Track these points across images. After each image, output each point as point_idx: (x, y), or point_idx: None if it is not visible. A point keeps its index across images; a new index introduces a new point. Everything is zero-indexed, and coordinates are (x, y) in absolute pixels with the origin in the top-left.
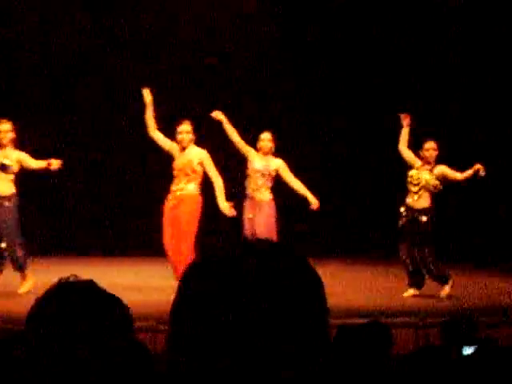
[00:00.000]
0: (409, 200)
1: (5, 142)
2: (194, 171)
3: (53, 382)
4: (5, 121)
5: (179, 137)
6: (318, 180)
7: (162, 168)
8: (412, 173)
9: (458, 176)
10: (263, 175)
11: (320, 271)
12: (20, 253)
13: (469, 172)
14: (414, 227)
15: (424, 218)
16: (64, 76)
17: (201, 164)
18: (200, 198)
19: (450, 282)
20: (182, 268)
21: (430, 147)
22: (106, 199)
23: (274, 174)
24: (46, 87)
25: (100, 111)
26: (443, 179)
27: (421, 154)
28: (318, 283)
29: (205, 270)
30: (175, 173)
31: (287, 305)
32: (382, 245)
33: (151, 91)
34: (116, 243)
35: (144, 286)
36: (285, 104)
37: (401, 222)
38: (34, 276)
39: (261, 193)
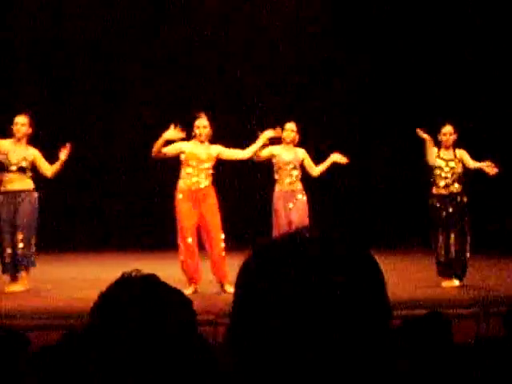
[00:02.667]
0: (436, 191)
1: (19, 135)
2: (214, 164)
3: (118, 375)
4: (22, 114)
5: (197, 131)
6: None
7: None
8: (440, 163)
9: (471, 164)
10: (295, 166)
11: None
12: (33, 249)
13: (480, 165)
14: (455, 212)
15: (464, 199)
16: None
17: (219, 155)
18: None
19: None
20: (221, 262)
21: (447, 131)
22: (114, 195)
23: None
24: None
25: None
26: (461, 163)
27: (438, 138)
28: (380, 275)
29: (268, 257)
30: (193, 163)
31: (350, 295)
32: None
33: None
34: (133, 238)
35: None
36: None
37: (433, 211)
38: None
39: (296, 183)
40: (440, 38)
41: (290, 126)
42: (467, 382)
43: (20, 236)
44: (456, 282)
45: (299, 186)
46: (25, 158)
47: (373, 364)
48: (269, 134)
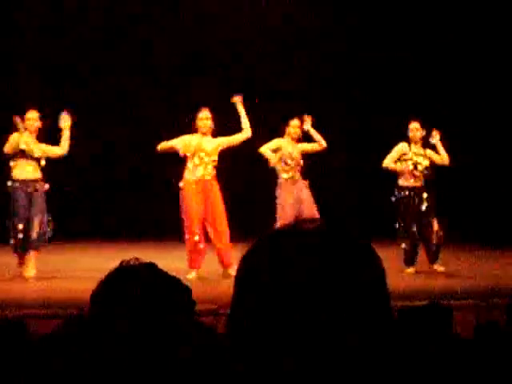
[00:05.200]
0: (406, 183)
1: (32, 129)
2: (218, 156)
3: (117, 361)
4: (33, 109)
5: (200, 123)
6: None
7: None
8: (413, 157)
9: (439, 159)
10: (298, 161)
11: None
12: (49, 227)
13: (441, 152)
14: (420, 203)
15: (425, 195)
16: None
17: (223, 145)
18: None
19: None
20: (231, 251)
21: (414, 127)
22: (119, 184)
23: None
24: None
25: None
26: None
27: (408, 134)
28: (380, 266)
29: (267, 251)
30: (200, 155)
31: (350, 288)
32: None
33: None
34: (135, 227)
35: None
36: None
37: (404, 202)
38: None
39: (299, 174)
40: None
41: (296, 123)
42: (467, 374)
43: (36, 221)
44: (438, 267)
45: (299, 176)
46: (39, 149)
47: (375, 354)
48: (236, 99)
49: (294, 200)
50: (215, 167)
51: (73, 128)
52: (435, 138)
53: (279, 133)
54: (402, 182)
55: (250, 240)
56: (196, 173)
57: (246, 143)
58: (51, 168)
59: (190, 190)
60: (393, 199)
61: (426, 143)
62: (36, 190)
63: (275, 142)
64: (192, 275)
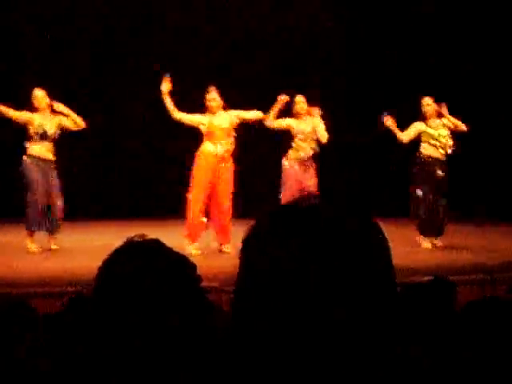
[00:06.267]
0: (428, 152)
1: (42, 107)
2: (235, 130)
3: (123, 340)
4: (38, 88)
5: (210, 103)
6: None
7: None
8: (430, 131)
9: (454, 125)
10: (313, 136)
11: None
12: (61, 215)
13: (453, 121)
14: (434, 176)
15: (443, 169)
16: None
17: (239, 117)
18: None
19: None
20: (230, 228)
21: (426, 102)
22: (127, 162)
23: None
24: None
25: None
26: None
27: (422, 111)
28: (385, 242)
29: (271, 228)
30: (216, 133)
31: (354, 263)
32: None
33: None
34: (137, 205)
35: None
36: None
37: (424, 169)
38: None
39: (308, 150)
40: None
41: (301, 99)
42: (471, 349)
43: (59, 202)
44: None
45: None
46: (47, 123)
47: (380, 332)
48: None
49: (299, 174)
50: (234, 141)
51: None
52: (444, 110)
53: (289, 113)
54: (424, 150)
55: (252, 217)
56: (212, 148)
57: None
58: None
59: (201, 166)
60: (414, 169)
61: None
62: (51, 171)
63: (285, 121)
64: (190, 249)
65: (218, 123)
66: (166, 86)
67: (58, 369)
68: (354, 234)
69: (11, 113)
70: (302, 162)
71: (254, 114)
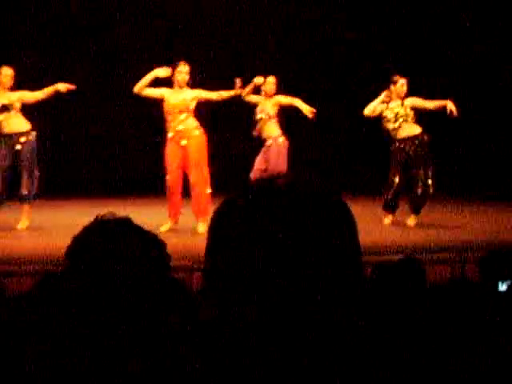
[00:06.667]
0: (394, 133)
1: (6, 86)
2: (188, 108)
3: (94, 316)
4: (7, 66)
5: (179, 76)
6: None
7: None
8: (386, 113)
9: (428, 105)
10: (270, 116)
11: None
12: (36, 184)
13: (440, 103)
14: (413, 151)
15: (425, 138)
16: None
17: (196, 98)
18: (202, 129)
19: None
20: (208, 200)
21: (404, 83)
22: (106, 140)
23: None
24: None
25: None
26: (414, 109)
27: (392, 89)
28: (351, 219)
29: (239, 206)
30: (170, 111)
31: (321, 241)
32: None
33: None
34: (113, 184)
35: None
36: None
37: (396, 154)
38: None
39: (267, 131)
40: None
41: (272, 80)
42: (441, 328)
43: (25, 176)
44: (413, 220)
45: (277, 131)
46: (8, 98)
47: (347, 309)
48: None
49: (263, 155)
50: (193, 117)
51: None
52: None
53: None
54: (393, 135)
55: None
56: (170, 126)
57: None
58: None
59: (168, 140)
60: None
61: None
62: (20, 143)
63: (256, 98)
64: (165, 227)
65: (174, 100)
66: (162, 71)
67: (23, 350)
68: (320, 212)
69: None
70: (263, 143)
71: (211, 95)
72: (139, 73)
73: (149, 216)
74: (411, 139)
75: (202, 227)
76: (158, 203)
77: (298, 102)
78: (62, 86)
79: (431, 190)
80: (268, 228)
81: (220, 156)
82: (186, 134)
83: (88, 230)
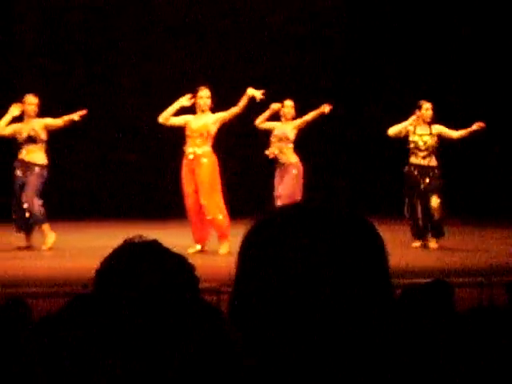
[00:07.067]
0: (416, 160)
1: (30, 113)
2: (208, 132)
3: (123, 338)
4: (32, 95)
5: (200, 101)
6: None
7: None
8: (415, 139)
9: (454, 134)
10: (286, 139)
11: None
12: (37, 209)
13: (466, 130)
14: (426, 180)
15: (436, 172)
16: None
17: (216, 122)
18: (215, 157)
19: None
20: (222, 224)
21: (428, 107)
22: (126, 163)
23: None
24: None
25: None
26: (440, 138)
27: (417, 113)
28: (381, 244)
29: (270, 228)
30: (190, 135)
31: (352, 264)
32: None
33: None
34: (132, 206)
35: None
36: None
37: (412, 179)
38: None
39: (286, 155)
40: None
41: (290, 103)
42: (469, 352)
43: (24, 201)
44: (434, 243)
45: (293, 159)
46: (33, 127)
47: (376, 332)
48: (252, 90)
49: (279, 179)
50: (209, 142)
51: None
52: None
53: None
54: (412, 159)
55: (248, 217)
56: (187, 150)
57: (244, 122)
58: (52, 147)
59: (183, 165)
60: (404, 173)
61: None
62: (30, 172)
63: (271, 124)
64: (192, 249)
65: (195, 123)
66: (186, 100)
67: (53, 370)
68: (350, 235)
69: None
70: (279, 166)
71: (226, 113)
72: (164, 101)
73: (172, 238)
74: (425, 169)
75: (224, 249)
76: (180, 225)
77: (310, 115)
78: (76, 116)
79: (440, 213)
80: (298, 251)
81: (234, 179)
82: (198, 160)
83: (117, 253)
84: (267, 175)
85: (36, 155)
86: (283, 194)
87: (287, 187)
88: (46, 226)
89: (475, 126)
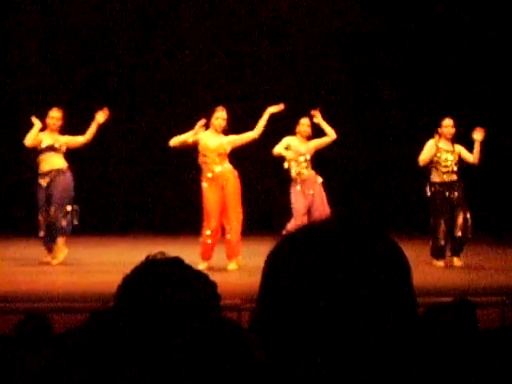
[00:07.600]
0: (439, 178)
1: (54, 127)
2: (225, 152)
3: (145, 355)
4: (56, 108)
5: (216, 122)
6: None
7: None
8: (437, 154)
9: (471, 159)
10: (306, 159)
11: None
12: (64, 223)
13: (476, 151)
14: (454, 194)
15: (461, 184)
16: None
17: (230, 144)
18: (236, 172)
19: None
20: (238, 244)
21: (449, 124)
22: (135, 182)
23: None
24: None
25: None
26: (459, 157)
27: (439, 130)
28: (405, 261)
29: (296, 244)
30: (208, 154)
31: (378, 283)
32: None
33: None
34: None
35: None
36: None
37: (436, 197)
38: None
39: (309, 171)
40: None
41: (306, 121)
42: (492, 371)
43: (53, 208)
44: (458, 262)
45: (314, 173)
46: (57, 140)
47: (400, 350)
48: (272, 109)
49: (304, 197)
50: (227, 160)
51: (103, 125)
52: (478, 135)
53: (290, 131)
54: (434, 177)
55: (264, 234)
56: (206, 167)
57: (261, 143)
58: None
59: (206, 186)
60: (427, 194)
61: (456, 139)
62: (55, 179)
63: (285, 141)
64: (202, 266)
65: (210, 143)
66: (200, 130)
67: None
68: (374, 254)
69: None
70: (303, 181)
71: (243, 137)
72: (181, 115)
73: (182, 254)
74: (448, 184)
75: (233, 265)
76: (180, 241)
77: (324, 138)
78: (100, 117)
79: (470, 233)
80: (323, 269)
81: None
82: (224, 177)
83: (140, 270)
84: (268, 190)
85: (56, 161)
86: (320, 209)
87: (321, 201)
88: (61, 240)
89: (474, 135)
